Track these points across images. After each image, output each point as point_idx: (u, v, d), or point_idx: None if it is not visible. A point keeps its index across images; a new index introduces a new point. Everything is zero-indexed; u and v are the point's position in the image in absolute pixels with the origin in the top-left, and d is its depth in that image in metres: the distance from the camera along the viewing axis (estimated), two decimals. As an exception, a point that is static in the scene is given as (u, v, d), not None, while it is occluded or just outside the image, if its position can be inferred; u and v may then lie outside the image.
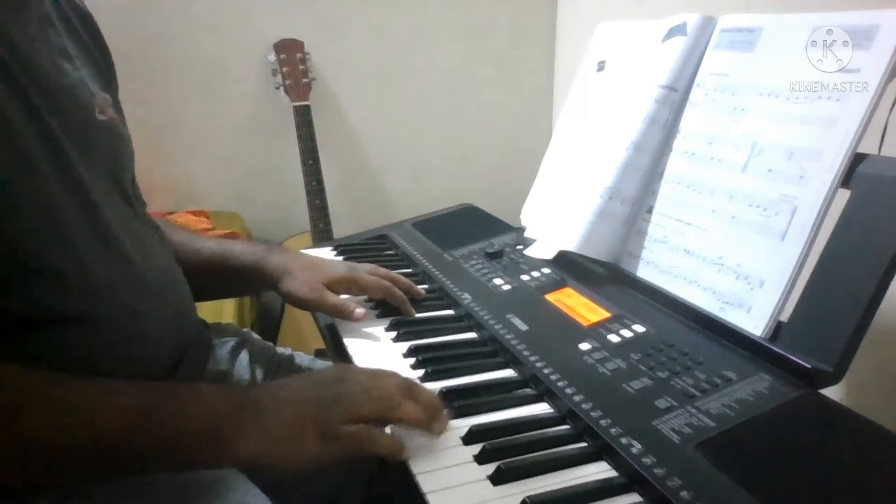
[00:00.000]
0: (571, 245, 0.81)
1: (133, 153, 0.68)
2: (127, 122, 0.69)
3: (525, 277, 0.83)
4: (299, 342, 1.57)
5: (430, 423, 0.54)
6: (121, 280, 0.57)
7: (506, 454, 0.52)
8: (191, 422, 0.49)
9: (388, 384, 0.55)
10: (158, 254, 0.66)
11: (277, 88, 1.68)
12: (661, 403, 0.55)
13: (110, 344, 0.56)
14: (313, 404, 0.52)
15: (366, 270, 0.81)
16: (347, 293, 0.80)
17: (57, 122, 0.53)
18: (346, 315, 0.76)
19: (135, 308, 0.58)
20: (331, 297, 0.76)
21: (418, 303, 0.81)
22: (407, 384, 0.56)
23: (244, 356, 0.80)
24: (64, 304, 0.52)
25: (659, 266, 0.76)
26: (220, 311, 1.37)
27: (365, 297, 0.82)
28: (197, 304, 0.73)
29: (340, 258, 1.00)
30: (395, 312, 0.79)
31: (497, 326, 0.72)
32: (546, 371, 0.62)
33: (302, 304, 0.77)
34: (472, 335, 0.75)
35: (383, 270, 0.82)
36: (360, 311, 0.76)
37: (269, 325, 1.66)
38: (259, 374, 0.80)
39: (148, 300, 0.60)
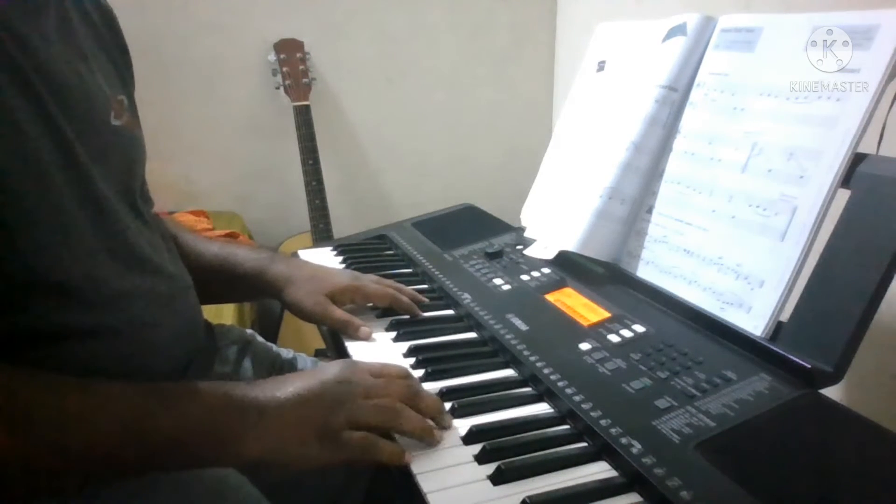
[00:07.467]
0: (571, 245, 0.81)
1: (145, 156, 0.67)
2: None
3: (525, 277, 0.83)
4: (299, 341, 1.57)
5: (428, 435, 0.54)
6: (133, 292, 0.57)
7: (506, 454, 0.52)
8: (191, 423, 0.50)
9: (393, 390, 0.56)
10: (168, 261, 0.66)
11: (277, 88, 1.68)
12: (661, 403, 0.55)
13: (119, 355, 0.55)
14: (315, 406, 0.52)
15: (370, 280, 0.80)
16: (352, 303, 0.79)
17: (72, 130, 0.52)
18: (350, 331, 0.74)
19: (145, 319, 0.58)
20: (335, 312, 0.75)
21: (420, 305, 0.81)
22: (411, 390, 0.57)
23: (248, 362, 0.79)
24: (73, 318, 0.52)
25: (659, 266, 0.76)
26: (221, 311, 1.37)
27: (369, 304, 0.81)
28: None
29: (341, 258, 1.00)
30: (395, 312, 0.79)
31: (497, 326, 0.72)
32: (546, 371, 0.62)
33: (306, 316, 0.77)
34: (472, 335, 0.75)
35: (388, 281, 0.82)
36: (366, 329, 0.74)
37: (269, 324, 1.66)
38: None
39: (159, 311, 0.60)
